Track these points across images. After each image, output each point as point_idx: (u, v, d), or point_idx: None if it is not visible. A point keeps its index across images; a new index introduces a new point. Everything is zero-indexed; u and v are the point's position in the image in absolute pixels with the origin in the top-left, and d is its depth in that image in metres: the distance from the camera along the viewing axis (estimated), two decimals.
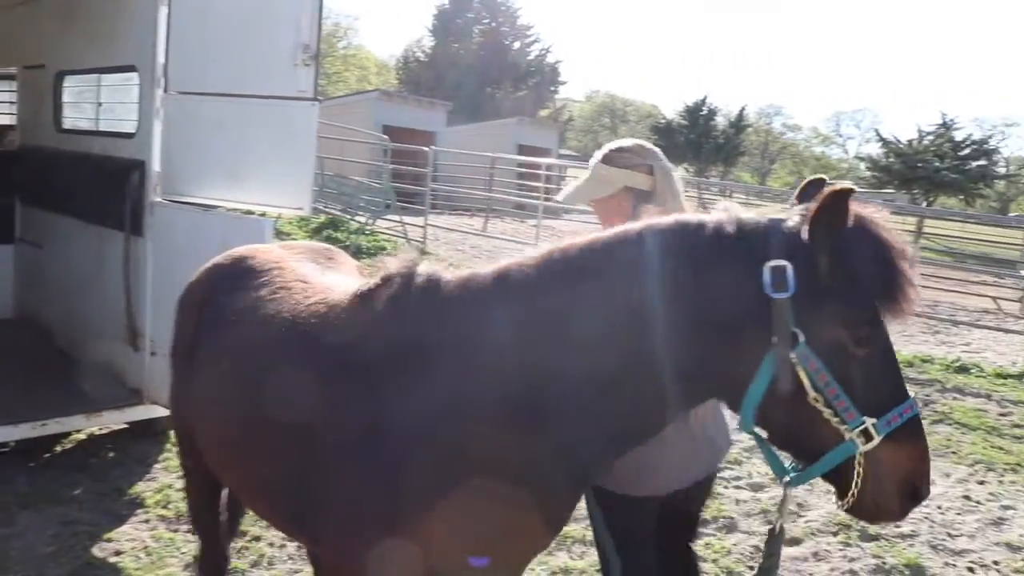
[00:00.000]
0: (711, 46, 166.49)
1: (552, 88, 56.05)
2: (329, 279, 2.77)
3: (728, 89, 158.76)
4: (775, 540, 2.24)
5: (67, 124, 6.86)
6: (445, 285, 2.19)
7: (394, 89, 46.36)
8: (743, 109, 56.27)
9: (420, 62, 53.14)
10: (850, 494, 1.96)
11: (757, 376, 1.93)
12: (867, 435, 1.90)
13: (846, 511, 2.02)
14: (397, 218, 16.12)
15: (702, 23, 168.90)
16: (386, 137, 18.06)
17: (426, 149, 17.33)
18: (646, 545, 2.89)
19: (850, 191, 1.88)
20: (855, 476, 1.93)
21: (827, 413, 1.90)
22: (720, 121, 55.94)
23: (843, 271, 1.90)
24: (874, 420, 1.90)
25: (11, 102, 8.37)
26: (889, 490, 1.95)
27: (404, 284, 2.23)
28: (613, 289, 2.02)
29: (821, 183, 2.13)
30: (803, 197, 2.15)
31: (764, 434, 2.06)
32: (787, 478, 2.09)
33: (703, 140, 51.88)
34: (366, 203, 16.22)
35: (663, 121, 58.53)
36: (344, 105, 28.03)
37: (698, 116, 53.17)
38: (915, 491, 1.97)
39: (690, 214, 2.17)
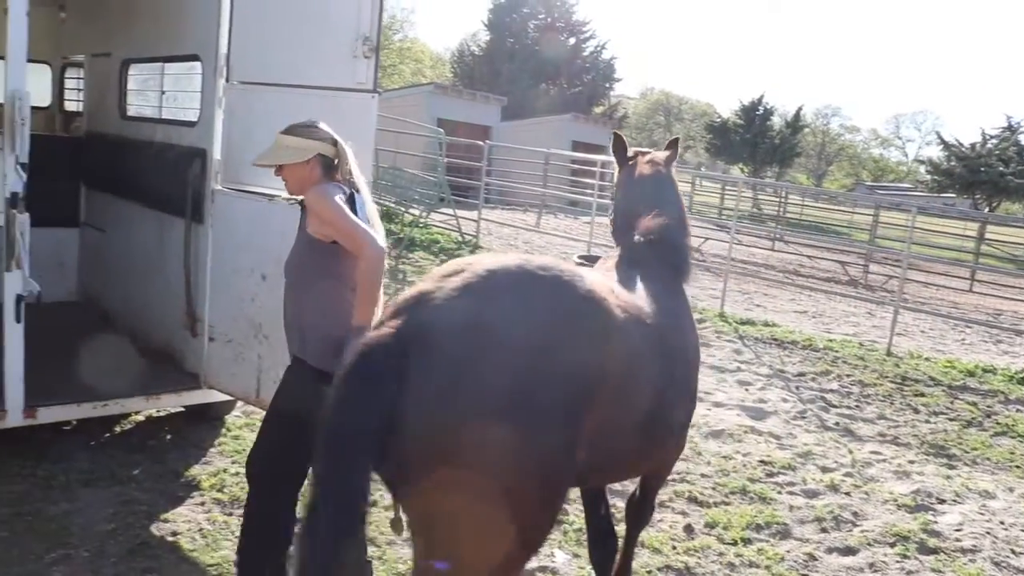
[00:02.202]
0: (769, 44, 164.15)
1: (607, 85, 55.59)
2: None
3: (785, 89, 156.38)
4: None
5: (131, 111, 6.98)
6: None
7: (449, 83, 46.46)
8: (800, 109, 55.20)
9: (475, 56, 53.14)
10: None
11: None
12: None
13: None
14: (451, 211, 16.16)
15: (761, 21, 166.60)
16: (441, 130, 18.11)
17: (481, 143, 17.34)
18: None
19: (678, 139, 4.38)
20: None
21: None
22: (776, 121, 55.07)
23: None
24: None
25: (79, 89, 8.55)
26: None
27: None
28: (669, 181, 4.11)
29: (623, 143, 4.23)
30: (618, 153, 4.21)
31: None
32: None
33: (759, 140, 51.09)
34: (420, 196, 16.27)
35: (718, 120, 57.71)
36: (399, 98, 28.18)
37: (754, 115, 52.37)
38: None
39: (652, 155, 4.19)
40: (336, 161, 3.58)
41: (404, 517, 2.72)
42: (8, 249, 4.33)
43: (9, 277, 4.38)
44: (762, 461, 6.55)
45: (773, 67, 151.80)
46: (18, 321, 4.45)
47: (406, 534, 2.79)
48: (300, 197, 3.64)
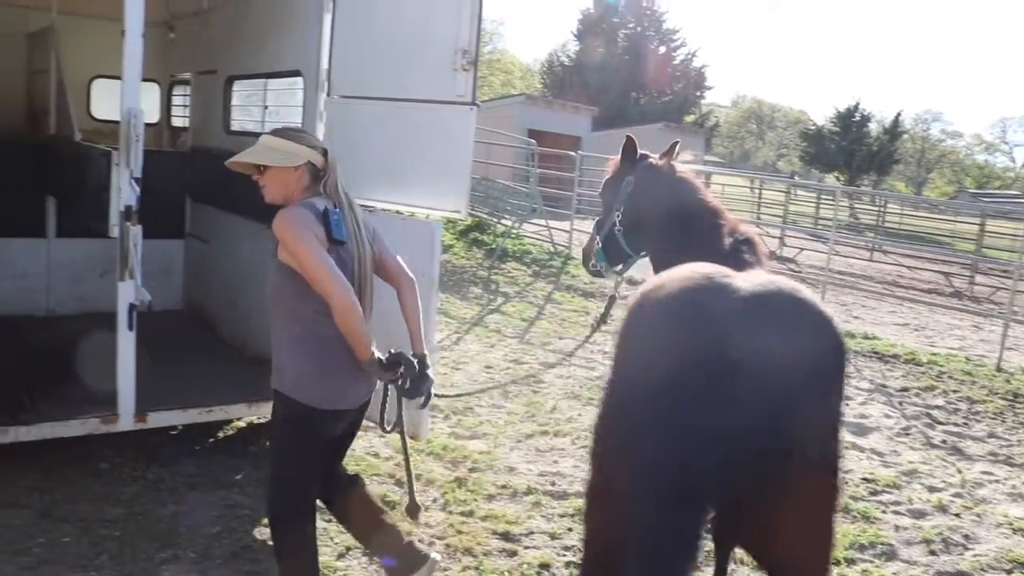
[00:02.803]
0: (866, 49, 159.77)
1: (698, 93, 55.06)
2: None
3: (883, 94, 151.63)
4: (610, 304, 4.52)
5: (235, 126, 7.20)
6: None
7: (539, 93, 46.62)
8: (899, 115, 53.75)
9: (564, 66, 53.21)
10: None
11: None
12: None
13: None
14: (543, 222, 16.18)
15: (857, 24, 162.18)
16: (533, 141, 18.16)
17: (573, 154, 17.32)
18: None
19: (677, 142, 4.34)
20: None
21: None
22: (873, 128, 53.64)
23: None
24: None
25: (185, 106, 8.87)
26: None
27: None
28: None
29: (635, 145, 4.23)
30: (629, 156, 4.23)
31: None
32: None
33: (855, 147, 49.86)
34: (513, 207, 16.34)
35: (812, 127, 56.54)
36: (490, 109, 28.40)
37: (850, 122, 51.14)
38: None
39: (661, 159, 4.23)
40: (323, 173, 3.36)
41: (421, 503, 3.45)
42: (122, 260, 4.50)
43: (122, 287, 4.55)
44: (865, 478, 6.35)
45: (870, 72, 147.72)
46: (130, 329, 4.63)
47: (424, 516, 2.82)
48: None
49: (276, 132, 3.44)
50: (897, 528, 5.51)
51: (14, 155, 7.20)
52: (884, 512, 5.76)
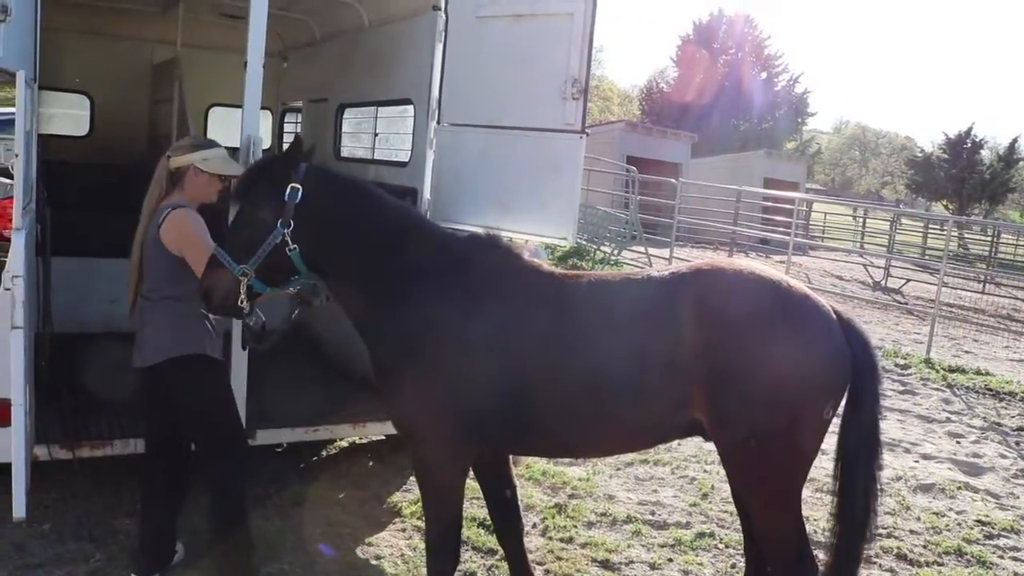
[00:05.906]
0: (978, 72, 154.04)
1: (799, 119, 54.12)
2: None
3: (997, 119, 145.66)
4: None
5: (345, 153, 7.40)
6: None
7: (638, 120, 46.49)
8: (1015, 141, 51.57)
9: (663, 93, 52.99)
10: None
11: None
12: None
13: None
14: (642, 249, 16.10)
15: (968, 48, 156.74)
16: (633, 168, 18.13)
17: (673, 181, 17.22)
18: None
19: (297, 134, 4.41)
20: None
21: None
22: (986, 155, 51.63)
23: None
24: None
25: (296, 132, 9.16)
26: None
27: None
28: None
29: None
30: (289, 157, 3.57)
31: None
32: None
33: (966, 175, 48.07)
34: (612, 233, 16.33)
35: (920, 154, 54.77)
36: (590, 135, 28.35)
37: (961, 149, 49.37)
38: None
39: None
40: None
41: None
42: None
43: None
44: (979, 521, 6.07)
45: (983, 97, 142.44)
46: (243, 348, 4.78)
47: None
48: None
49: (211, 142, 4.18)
50: (1016, 575, 5.26)
51: (138, 179, 7.53)
52: (1002, 558, 5.49)
